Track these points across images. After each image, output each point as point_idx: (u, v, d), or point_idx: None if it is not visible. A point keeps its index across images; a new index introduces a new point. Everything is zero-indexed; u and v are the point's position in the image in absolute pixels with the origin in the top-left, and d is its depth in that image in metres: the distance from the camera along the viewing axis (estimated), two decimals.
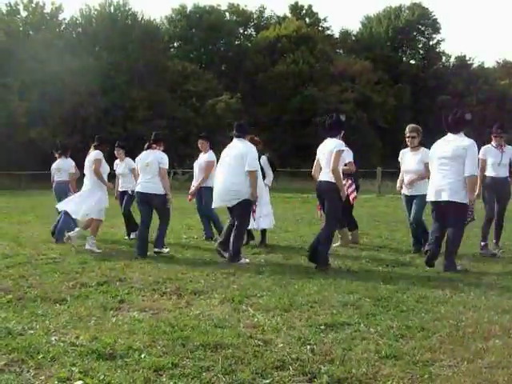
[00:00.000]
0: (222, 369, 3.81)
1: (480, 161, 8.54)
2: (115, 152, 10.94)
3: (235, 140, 8.36)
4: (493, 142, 8.97)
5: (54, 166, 11.09)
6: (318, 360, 3.99)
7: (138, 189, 8.88)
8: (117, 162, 11.04)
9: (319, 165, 7.82)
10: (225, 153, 8.39)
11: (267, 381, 3.67)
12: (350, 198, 9.38)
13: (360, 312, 5.22)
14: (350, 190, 9.33)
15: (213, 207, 8.83)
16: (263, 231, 9.79)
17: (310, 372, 3.78)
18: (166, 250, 8.87)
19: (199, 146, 10.52)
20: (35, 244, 9.83)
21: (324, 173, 7.67)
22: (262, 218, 9.38)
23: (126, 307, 5.47)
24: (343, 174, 8.35)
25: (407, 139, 8.78)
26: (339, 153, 7.51)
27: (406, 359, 4.01)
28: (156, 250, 8.79)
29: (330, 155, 7.52)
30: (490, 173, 8.88)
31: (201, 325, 4.79)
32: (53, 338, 4.43)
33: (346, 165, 9.11)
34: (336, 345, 4.31)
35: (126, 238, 10.73)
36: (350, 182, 9.38)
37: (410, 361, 3.98)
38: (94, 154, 9.56)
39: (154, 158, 8.77)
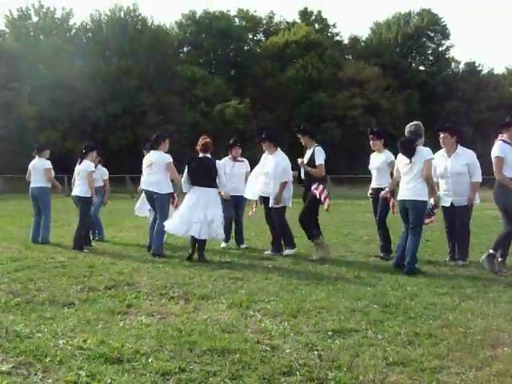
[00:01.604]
0: (229, 374, 3.81)
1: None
2: (92, 154, 10.33)
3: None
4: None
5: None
6: (325, 366, 3.98)
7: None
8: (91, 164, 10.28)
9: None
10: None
11: None
12: (325, 206, 8.95)
13: (368, 318, 5.21)
14: (323, 196, 8.88)
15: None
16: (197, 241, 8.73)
17: (318, 378, 3.77)
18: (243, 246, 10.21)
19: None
20: (44, 247, 9.87)
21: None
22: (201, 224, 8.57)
23: (133, 311, 5.47)
24: (312, 177, 8.91)
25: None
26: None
27: (413, 366, 3.99)
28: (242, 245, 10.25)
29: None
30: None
31: (208, 329, 4.79)
32: (60, 342, 4.43)
33: (315, 167, 8.97)
34: (343, 351, 4.30)
35: (87, 249, 9.78)
36: (321, 187, 8.90)
37: (417, 368, 3.96)
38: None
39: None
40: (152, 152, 9.42)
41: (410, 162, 7.76)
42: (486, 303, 5.87)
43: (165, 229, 8.93)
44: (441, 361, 4.11)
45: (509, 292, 6.45)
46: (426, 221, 8.33)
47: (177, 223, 8.74)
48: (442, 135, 8.54)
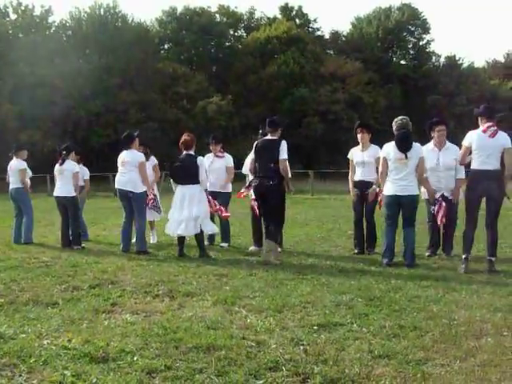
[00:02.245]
0: (215, 370, 3.81)
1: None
2: (72, 154, 10.37)
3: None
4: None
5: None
6: (311, 360, 3.99)
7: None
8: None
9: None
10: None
11: (260, 382, 3.66)
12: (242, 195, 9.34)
13: (353, 312, 5.23)
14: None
15: None
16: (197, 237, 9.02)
17: (303, 372, 3.78)
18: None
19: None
20: (27, 248, 9.79)
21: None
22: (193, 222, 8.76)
23: (118, 310, 5.45)
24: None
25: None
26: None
27: (398, 358, 4.02)
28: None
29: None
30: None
31: (193, 327, 4.78)
32: (45, 342, 4.41)
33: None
34: (329, 345, 4.31)
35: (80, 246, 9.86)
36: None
37: (402, 360, 3.99)
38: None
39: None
40: (124, 151, 9.44)
41: (406, 157, 7.64)
42: (469, 295, 5.92)
43: (167, 232, 9.07)
44: (426, 352, 4.14)
45: (492, 283, 6.51)
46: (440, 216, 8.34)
47: (169, 223, 8.93)
48: (440, 128, 8.48)
